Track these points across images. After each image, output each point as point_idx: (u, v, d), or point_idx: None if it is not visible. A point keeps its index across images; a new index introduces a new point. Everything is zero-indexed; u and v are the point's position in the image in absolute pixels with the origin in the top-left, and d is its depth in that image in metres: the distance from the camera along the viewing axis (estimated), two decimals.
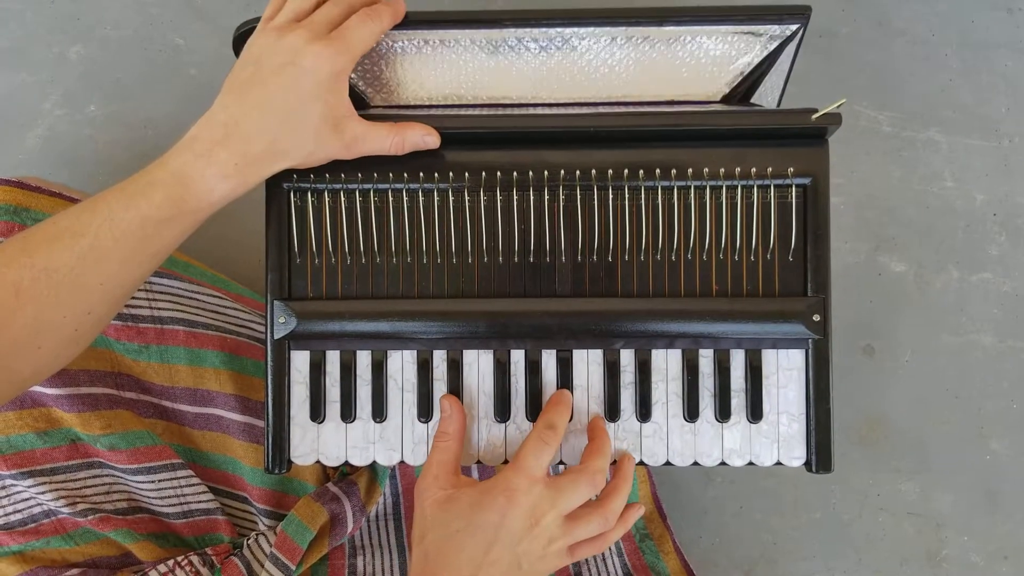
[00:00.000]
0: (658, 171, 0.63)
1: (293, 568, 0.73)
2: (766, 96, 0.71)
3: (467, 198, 0.64)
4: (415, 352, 0.65)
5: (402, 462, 0.66)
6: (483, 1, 1.01)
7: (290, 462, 0.65)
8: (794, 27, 0.64)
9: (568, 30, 0.63)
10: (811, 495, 0.96)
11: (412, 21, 0.63)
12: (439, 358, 0.65)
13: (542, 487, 0.59)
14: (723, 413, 0.65)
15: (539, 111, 0.67)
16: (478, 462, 0.66)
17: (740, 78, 0.69)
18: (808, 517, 0.96)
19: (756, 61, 0.67)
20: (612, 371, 0.65)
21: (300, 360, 0.65)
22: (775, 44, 0.65)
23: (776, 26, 0.64)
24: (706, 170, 0.63)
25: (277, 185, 0.63)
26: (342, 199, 0.65)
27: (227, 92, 0.58)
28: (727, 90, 0.70)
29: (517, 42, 0.64)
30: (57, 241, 0.54)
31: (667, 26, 0.63)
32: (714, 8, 0.63)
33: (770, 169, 0.63)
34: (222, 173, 0.56)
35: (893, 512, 0.96)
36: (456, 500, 0.59)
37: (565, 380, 0.65)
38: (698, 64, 0.67)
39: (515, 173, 0.64)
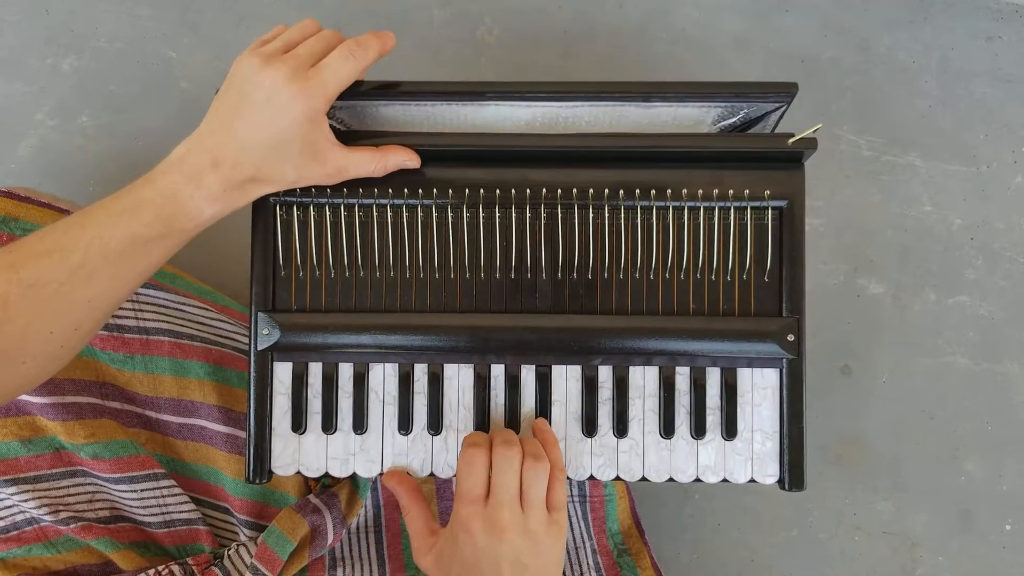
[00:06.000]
0: (638, 191, 0.65)
1: None
2: None
3: (450, 214, 0.66)
4: (396, 365, 0.66)
5: (382, 474, 0.67)
6: (469, 25, 1.02)
7: (271, 472, 0.66)
8: (778, 104, 0.64)
9: (552, 104, 0.64)
10: (788, 513, 0.97)
11: (395, 93, 0.63)
12: (420, 371, 0.66)
13: (486, 504, 0.61)
14: (698, 430, 0.66)
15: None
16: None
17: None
18: (785, 534, 0.97)
19: (739, 124, 0.68)
20: (590, 387, 0.66)
21: (283, 371, 0.66)
22: (759, 114, 0.66)
23: (761, 103, 0.64)
24: (685, 191, 0.65)
25: (263, 198, 0.64)
26: (327, 213, 0.66)
27: (212, 117, 0.59)
28: None
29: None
30: (46, 257, 0.55)
31: (653, 102, 0.64)
32: (700, 85, 0.64)
33: (747, 191, 0.65)
34: (210, 196, 0.58)
35: (868, 531, 0.97)
36: (441, 556, 0.63)
37: (544, 395, 0.66)
38: (680, 126, 0.68)
39: (498, 191, 0.65)
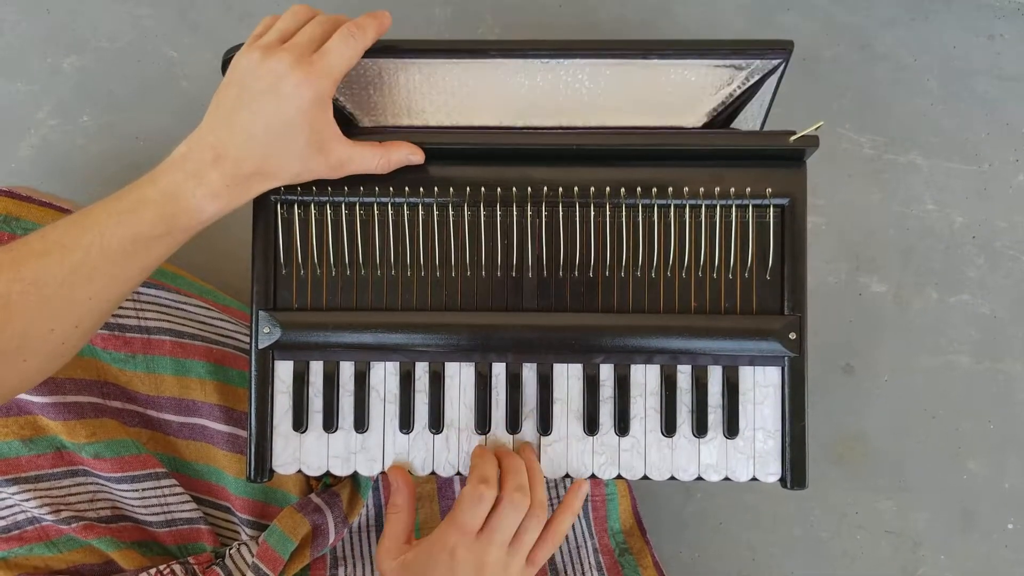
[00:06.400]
0: (639, 189, 0.65)
1: None
2: (747, 123, 0.72)
3: (452, 213, 0.66)
4: (398, 364, 0.66)
5: (383, 473, 0.67)
6: (470, 24, 1.02)
7: (272, 471, 0.66)
8: (776, 62, 0.65)
9: (553, 61, 0.64)
10: (790, 511, 0.97)
11: (398, 50, 0.63)
12: (421, 370, 0.66)
13: (477, 537, 0.62)
14: (700, 428, 0.66)
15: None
16: (458, 474, 0.67)
17: (722, 107, 0.70)
18: (787, 533, 0.97)
19: (738, 92, 0.68)
20: (592, 385, 0.66)
21: (284, 370, 0.66)
22: (757, 76, 0.66)
23: (759, 60, 0.64)
24: (686, 189, 0.65)
25: (264, 197, 0.64)
26: (328, 211, 0.66)
27: (214, 113, 0.59)
28: (707, 119, 0.71)
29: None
30: (47, 256, 0.55)
31: (652, 59, 0.64)
32: (699, 42, 0.64)
33: (749, 189, 0.65)
34: (212, 193, 0.57)
35: (871, 530, 0.97)
36: (409, 566, 0.63)
37: (545, 393, 0.66)
38: (680, 93, 0.68)
39: (499, 189, 0.65)
